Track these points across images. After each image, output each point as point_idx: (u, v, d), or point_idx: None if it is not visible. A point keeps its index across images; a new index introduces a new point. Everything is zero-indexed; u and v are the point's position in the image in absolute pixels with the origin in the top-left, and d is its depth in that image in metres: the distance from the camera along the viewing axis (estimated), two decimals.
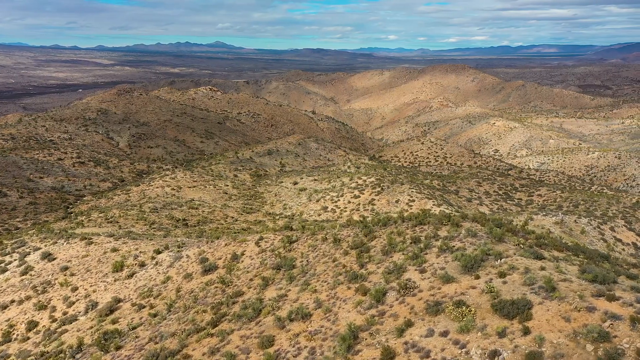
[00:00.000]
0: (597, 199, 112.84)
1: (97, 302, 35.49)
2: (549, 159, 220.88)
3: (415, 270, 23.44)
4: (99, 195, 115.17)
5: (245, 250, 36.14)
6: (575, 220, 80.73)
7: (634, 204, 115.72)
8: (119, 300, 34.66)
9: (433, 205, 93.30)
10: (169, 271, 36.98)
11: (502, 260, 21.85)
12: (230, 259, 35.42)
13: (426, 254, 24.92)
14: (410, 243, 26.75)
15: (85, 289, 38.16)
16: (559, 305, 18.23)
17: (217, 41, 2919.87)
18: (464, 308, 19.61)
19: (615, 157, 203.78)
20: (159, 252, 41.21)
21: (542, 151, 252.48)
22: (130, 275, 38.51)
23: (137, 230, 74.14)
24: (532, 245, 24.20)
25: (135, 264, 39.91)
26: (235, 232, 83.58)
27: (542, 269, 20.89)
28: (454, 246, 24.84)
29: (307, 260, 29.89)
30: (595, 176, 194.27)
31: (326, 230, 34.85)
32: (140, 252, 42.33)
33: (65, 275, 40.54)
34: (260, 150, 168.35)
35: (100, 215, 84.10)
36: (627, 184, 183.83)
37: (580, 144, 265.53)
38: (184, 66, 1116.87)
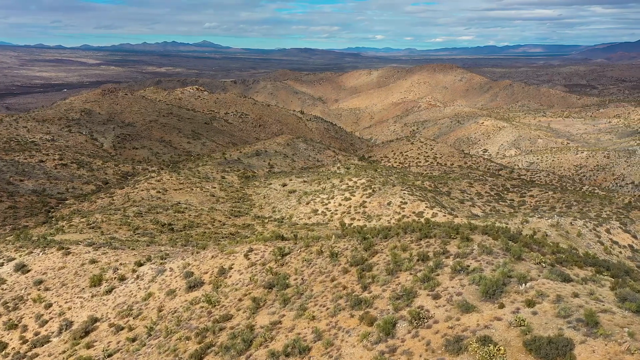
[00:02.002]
0: (589, 200, 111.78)
1: (72, 322, 32.70)
2: (538, 159, 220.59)
3: (428, 295, 20.80)
4: (82, 199, 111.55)
5: (233, 264, 33.47)
6: (571, 223, 79.16)
7: (626, 204, 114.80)
8: (96, 320, 31.88)
9: (426, 207, 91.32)
10: (150, 286, 34.24)
11: (527, 284, 19.37)
12: (217, 273, 32.75)
13: (438, 274, 22.31)
14: (418, 260, 24.21)
15: (60, 306, 35.31)
16: (606, 345, 15.68)
17: (204, 40, 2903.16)
18: (491, 347, 16.68)
19: (604, 156, 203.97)
20: (140, 264, 38.36)
21: (531, 151, 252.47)
22: (109, 291, 35.70)
23: (120, 236, 71.11)
24: (553, 263, 21.94)
25: (115, 278, 37.07)
26: (222, 237, 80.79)
27: (575, 295, 18.43)
28: (468, 266, 22.30)
29: (302, 279, 27.23)
30: (584, 176, 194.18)
31: (321, 242, 32.28)
32: (121, 264, 39.45)
33: (39, 290, 37.62)
34: (248, 151, 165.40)
35: (82, 220, 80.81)
36: (617, 183, 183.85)
37: (569, 144, 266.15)
38: (171, 66, 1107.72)
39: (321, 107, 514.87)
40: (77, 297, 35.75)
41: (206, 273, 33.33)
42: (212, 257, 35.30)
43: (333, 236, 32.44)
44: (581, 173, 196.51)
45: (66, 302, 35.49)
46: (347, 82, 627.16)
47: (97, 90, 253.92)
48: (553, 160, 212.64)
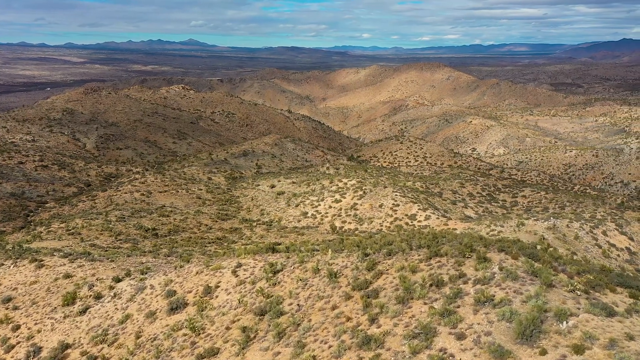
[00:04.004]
0: (582, 200, 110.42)
1: (40, 347, 29.60)
2: (527, 158, 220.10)
3: (450, 334, 17.87)
4: (63, 202, 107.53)
5: (220, 282, 30.49)
6: (567, 225, 77.28)
7: (619, 204, 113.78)
8: (67, 346, 28.80)
9: (418, 209, 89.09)
10: (128, 307, 31.19)
11: (570, 323, 16.69)
12: (202, 292, 29.79)
13: (458, 306, 19.43)
14: (431, 286, 21.39)
15: (29, 328, 32.17)
16: None
17: (190, 39, 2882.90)
18: None
19: (593, 155, 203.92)
20: (118, 280, 35.25)
21: (520, 150, 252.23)
22: (83, 311, 32.58)
23: (101, 243, 67.80)
24: (587, 289, 19.42)
25: (90, 296, 33.94)
26: (209, 242, 77.73)
27: (630, 338, 15.73)
28: (493, 296, 19.49)
29: (298, 304, 24.35)
30: (573, 175, 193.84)
31: (317, 257, 29.42)
32: (97, 279, 36.31)
33: (7, 308, 34.43)
34: (236, 151, 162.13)
35: (62, 225, 77.22)
36: (606, 182, 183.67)
37: (557, 142, 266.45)
38: (157, 64, 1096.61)
39: (309, 106, 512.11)
40: (48, 318, 32.66)
41: (190, 292, 30.36)
42: (197, 273, 32.34)
43: (330, 250, 29.73)
44: (570, 172, 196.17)
45: (36, 324, 32.37)
46: (335, 80, 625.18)
47: (79, 89, 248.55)
48: (542, 159, 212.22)
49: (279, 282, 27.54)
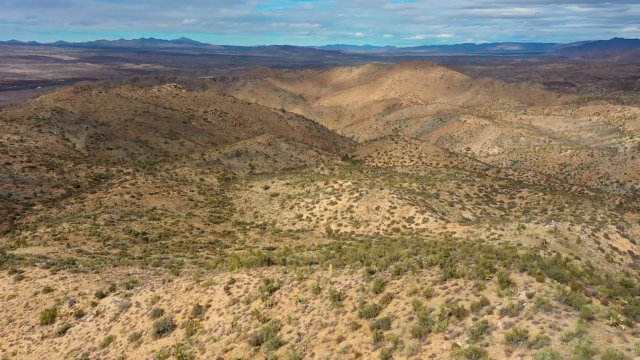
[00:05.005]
0: (580, 201, 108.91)
1: None
2: (522, 157, 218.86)
3: None
4: (50, 204, 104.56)
5: (211, 300, 28.04)
6: (569, 228, 75.58)
7: (617, 205, 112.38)
8: None
9: (416, 212, 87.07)
10: (112, 327, 28.74)
11: None
12: (191, 312, 27.38)
13: (486, 344, 16.89)
14: (451, 315, 19.01)
15: (4, 350, 29.61)
16: None
17: (182, 37, 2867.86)
18: None
19: (588, 155, 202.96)
20: (102, 295, 32.72)
21: (514, 149, 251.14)
22: (63, 331, 30.08)
23: (88, 249, 65.20)
24: (629, 321, 17.27)
25: (71, 314, 31.44)
26: (201, 247, 75.22)
27: None
28: (526, 332, 17.04)
29: (298, 332, 21.96)
30: (569, 174, 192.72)
31: (316, 273, 27.03)
32: (80, 294, 33.78)
33: None
34: (228, 151, 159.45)
35: (48, 230, 74.49)
36: (601, 182, 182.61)
37: (551, 142, 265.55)
38: (149, 62, 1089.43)
39: (302, 105, 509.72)
40: (25, 339, 30.17)
41: (179, 312, 27.93)
42: (187, 289, 29.90)
43: (330, 266, 27.40)
44: (566, 172, 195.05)
45: (11, 345, 29.89)
46: (329, 79, 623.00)
47: (69, 88, 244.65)
48: (537, 159, 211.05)
49: (275, 303, 25.19)
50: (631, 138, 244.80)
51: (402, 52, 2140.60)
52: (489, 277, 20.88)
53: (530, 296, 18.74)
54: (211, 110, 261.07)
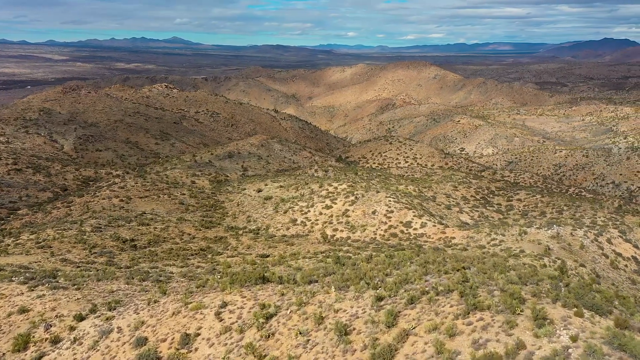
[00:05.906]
0: (579, 204, 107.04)
1: None
2: (516, 158, 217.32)
3: None
4: (36, 209, 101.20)
5: (201, 327, 25.34)
6: (571, 233, 73.57)
7: (616, 208, 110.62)
8: None
9: (414, 216, 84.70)
10: (90, 357, 26.06)
11: None
12: (178, 342, 24.68)
13: None
14: None
15: None
16: None
17: (174, 37, 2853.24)
18: None
19: (583, 155, 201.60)
20: (81, 317, 29.90)
21: (508, 149, 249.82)
22: None
23: (73, 258, 62.26)
24: None
25: (46, 339, 28.63)
26: (192, 254, 72.43)
27: None
28: None
29: None
30: (564, 175, 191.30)
31: (318, 297, 24.43)
32: (57, 315, 30.99)
33: None
34: (220, 153, 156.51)
35: (31, 237, 71.39)
36: (597, 183, 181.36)
37: (545, 142, 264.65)
38: (140, 62, 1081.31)
39: (295, 105, 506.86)
40: None
41: (164, 340, 25.23)
42: (174, 313, 27.16)
43: (333, 289, 24.85)
44: (561, 172, 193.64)
45: None
46: (321, 79, 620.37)
47: (57, 88, 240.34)
48: (532, 159, 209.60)
49: (272, 334, 22.58)
50: (625, 138, 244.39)
51: (395, 51, 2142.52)
52: (520, 310, 18.37)
53: (574, 340, 16.28)
54: (203, 111, 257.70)
